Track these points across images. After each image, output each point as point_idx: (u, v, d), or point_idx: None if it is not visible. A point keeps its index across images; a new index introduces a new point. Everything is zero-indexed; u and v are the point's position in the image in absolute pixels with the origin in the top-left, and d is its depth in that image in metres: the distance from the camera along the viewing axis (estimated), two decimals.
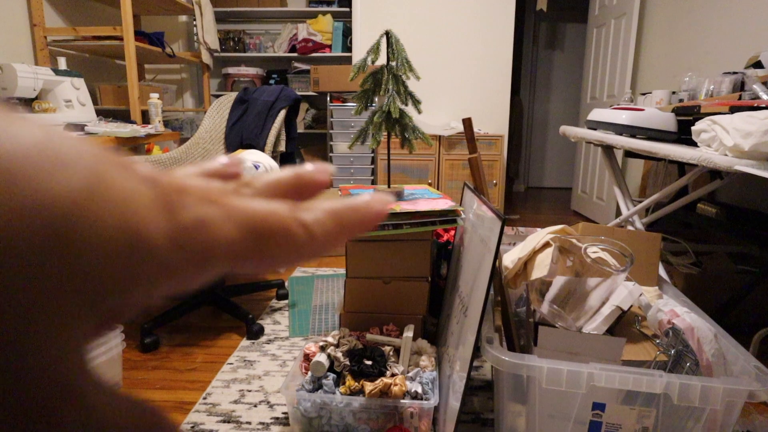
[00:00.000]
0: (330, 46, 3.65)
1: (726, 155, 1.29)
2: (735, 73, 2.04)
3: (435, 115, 3.52)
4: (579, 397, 0.90)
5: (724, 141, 1.28)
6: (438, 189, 3.22)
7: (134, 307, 0.13)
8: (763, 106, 1.46)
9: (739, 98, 1.94)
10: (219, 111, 2.10)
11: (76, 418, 0.11)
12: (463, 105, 3.50)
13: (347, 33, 3.62)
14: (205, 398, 1.33)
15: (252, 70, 3.78)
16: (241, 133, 1.95)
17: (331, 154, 3.29)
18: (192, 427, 1.21)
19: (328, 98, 3.30)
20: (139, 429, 0.13)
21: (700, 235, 2.34)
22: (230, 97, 2.16)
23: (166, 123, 3.33)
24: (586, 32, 4.03)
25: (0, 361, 0.10)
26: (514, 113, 5.22)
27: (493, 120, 3.50)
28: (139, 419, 0.13)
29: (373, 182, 3.27)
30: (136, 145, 2.44)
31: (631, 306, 1.13)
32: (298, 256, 0.16)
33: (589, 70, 3.96)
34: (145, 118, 2.53)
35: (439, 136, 3.16)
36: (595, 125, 2.08)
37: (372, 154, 3.34)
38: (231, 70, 3.77)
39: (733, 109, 1.51)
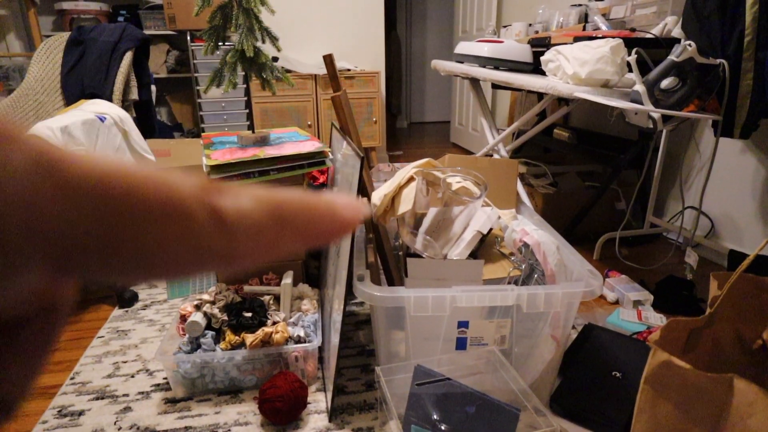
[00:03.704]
0: None
1: (568, 83, 1.41)
2: (580, 5, 2.20)
3: (309, 53, 3.37)
4: (445, 319, 0.98)
5: (566, 70, 1.38)
6: (318, 130, 3.15)
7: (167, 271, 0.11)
8: (600, 36, 1.59)
9: (584, 29, 2.11)
10: (49, 55, 1.80)
11: None
12: (338, 42, 3.38)
13: None
14: (72, 378, 1.22)
15: (93, 5, 3.26)
16: (82, 81, 1.70)
17: (199, 100, 3.04)
18: (59, 411, 1.11)
19: (189, 37, 2.99)
20: None
21: (557, 158, 2.58)
22: (62, 37, 1.86)
23: None
24: None
25: None
26: (391, 49, 5.19)
27: (369, 56, 3.45)
28: None
29: (250, 128, 3.07)
30: None
31: (492, 229, 1.22)
32: (197, 258, 0.11)
33: (459, 3, 4.02)
34: None
35: (315, 75, 3.05)
36: (462, 59, 2.13)
37: (246, 98, 3.13)
38: (66, 5, 3.22)
39: (577, 40, 1.63)
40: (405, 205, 1.08)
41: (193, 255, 0.11)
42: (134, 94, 1.83)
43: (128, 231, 0.10)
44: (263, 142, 1.30)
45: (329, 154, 1.22)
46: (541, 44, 1.88)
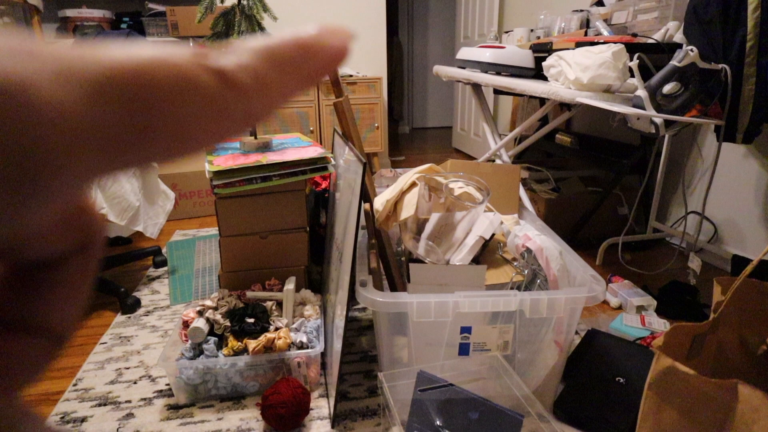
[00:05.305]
0: None
1: (570, 88, 1.41)
2: (582, 10, 2.20)
3: None
4: (448, 325, 0.97)
5: (568, 75, 1.38)
6: (320, 136, 3.16)
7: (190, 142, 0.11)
8: (602, 41, 1.60)
9: (585, 34, 2.11)
10: None
11: None
12: None
13: None
14: (75, 384, 1.22)
15: (97, 13, 3.29)
16: None
17: None
18: (62, 417, 1.11)
19: (191, 44, 3.00)
20: None
21: (559, 163, 2.58)
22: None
23: None
24: None
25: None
26: (394, 54, 5.21)
27: (371, 62, 3.46)
28: None
29: (252, 134, 3.08)
30: None
31: (494, 234, 1.22)
32: (218, 122, 0.11)
33: (461, 9, 4.04)
34: None
35: None
36: (463, 64, 2.14)
37: None
38: (70, 12, 3.25)
39: (579, 45, 1.63)
40: (407, 211, 1.08)
41: (213, 120, 0.11)
42: None
43: (149, 113, 0.10)
44: (266, 147, 1.31)
45: (331, 159, 1.23)
46: (542, 49, 1.88)
